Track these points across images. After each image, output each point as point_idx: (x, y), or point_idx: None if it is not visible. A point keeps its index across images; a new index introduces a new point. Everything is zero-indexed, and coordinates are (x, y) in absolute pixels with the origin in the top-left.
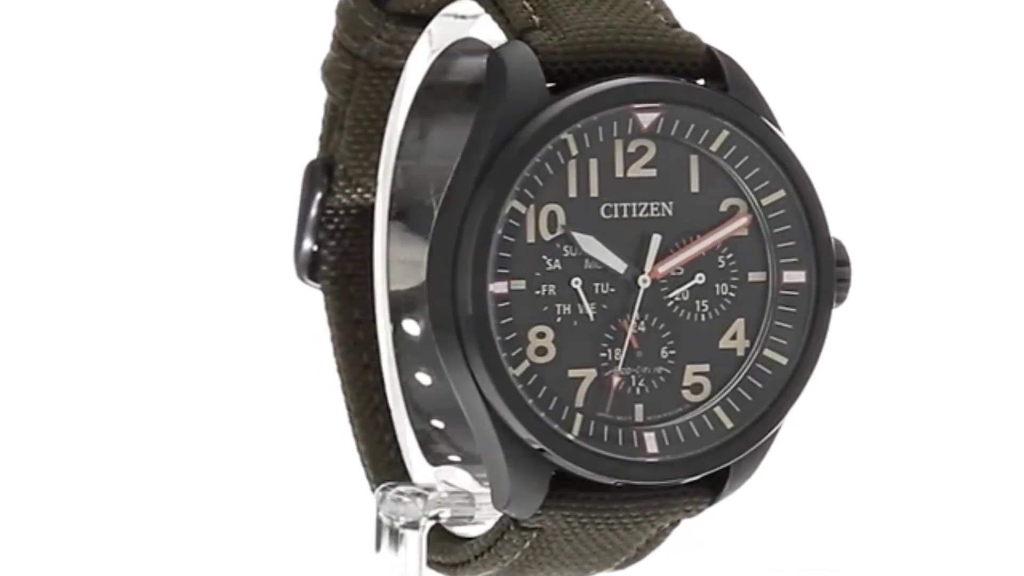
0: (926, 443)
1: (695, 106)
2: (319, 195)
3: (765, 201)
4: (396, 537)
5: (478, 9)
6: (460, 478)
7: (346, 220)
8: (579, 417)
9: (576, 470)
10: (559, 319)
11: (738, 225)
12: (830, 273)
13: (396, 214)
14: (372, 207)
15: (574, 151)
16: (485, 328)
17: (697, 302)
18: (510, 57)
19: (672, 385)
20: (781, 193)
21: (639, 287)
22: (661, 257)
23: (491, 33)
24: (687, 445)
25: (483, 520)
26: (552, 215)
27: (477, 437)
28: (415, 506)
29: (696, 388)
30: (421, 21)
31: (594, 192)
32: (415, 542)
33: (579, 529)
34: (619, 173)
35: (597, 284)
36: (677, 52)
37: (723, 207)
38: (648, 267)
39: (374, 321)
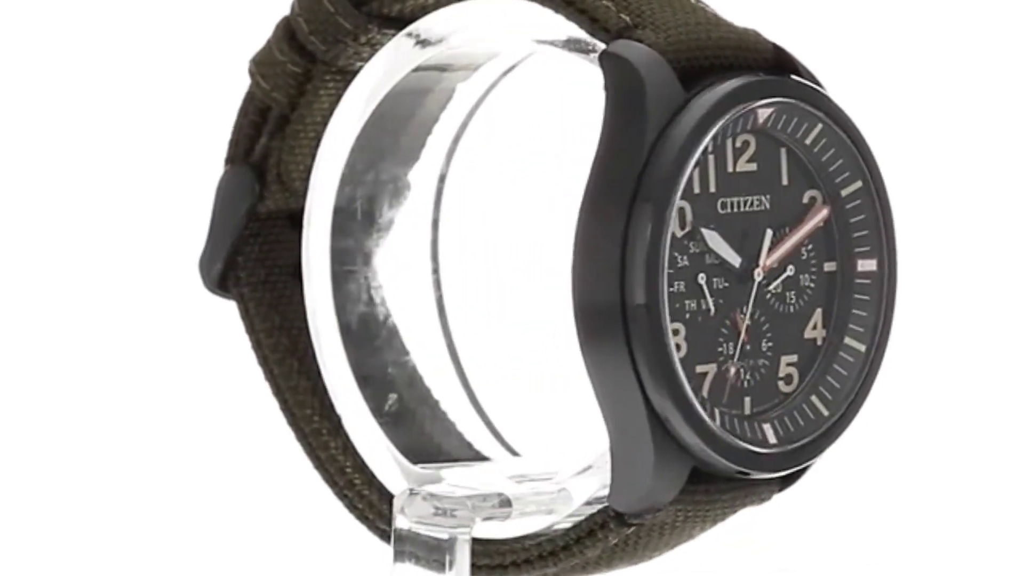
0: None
1: (799, 100)
2: (248, 203)
3: (844, 192)
4: (435, 547)
5: (446, 31)
6: (457, 477)
7: (273, 226)
8: (716, 411)
9: (718, 462)
10: (687, 315)
11: (820, 217)
12: (896, 260)
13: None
14: (300, 211)
15: (710, 148)
16: (658, 322)
17: (787, 294)
18: (634, 55)
19: (771, 377)
20: (859, 183)
21: (754, 280)
22: (770, 250)
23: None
24: (796, 434)
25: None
26: (682, 212)
27: (619, 432)
28: (465, 511)
29: (788, 379)
30: (401, 24)
31: (712, 188)
32: (464, 551)
33: (680, 521)
34: (730, 168)
35: (715, 279)
36: (753, 48)
37: (805, 199)
38: (762, 260)
39: (299, 325)
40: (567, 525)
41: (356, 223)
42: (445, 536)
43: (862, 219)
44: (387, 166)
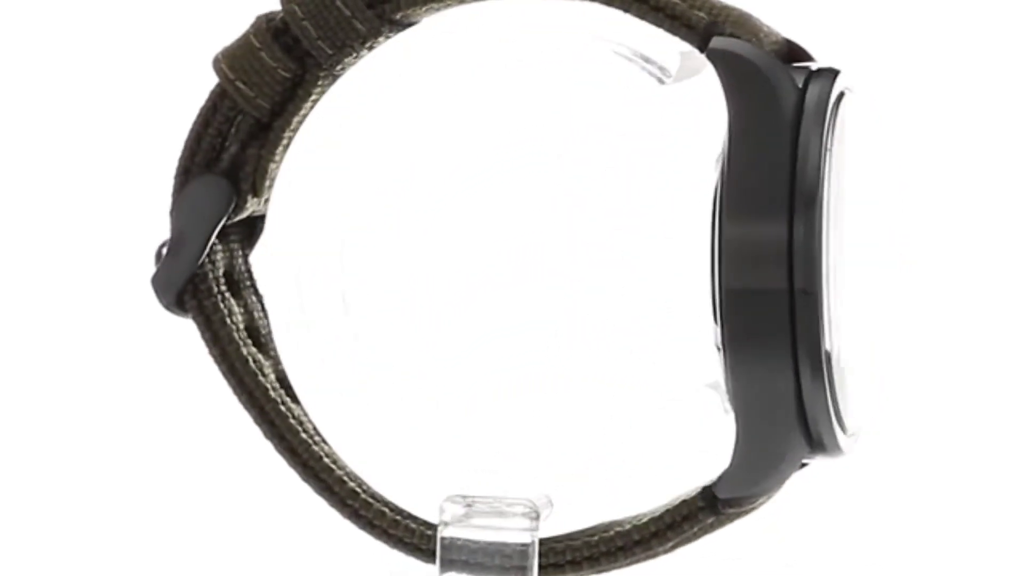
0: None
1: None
2: (223, 215)
3: None
4: (496, 552)
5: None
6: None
7: (230, 235)
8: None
9: (828, 453)
10: None
11: None
12: None
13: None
14: (260, 218)
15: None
16: (816, 308)
17: None
18: (749, 53)
19: None
20: None
21: None
22: None
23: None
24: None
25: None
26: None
27: (759, 417)
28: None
29: None
30: (408, 27)
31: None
32: (534, 556)
33: (749, 512)
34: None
35: None
36: (784, 41)
37: None
38: None
39: (259, 331)
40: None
41: None
42: (507, 539)
43: None
44: None
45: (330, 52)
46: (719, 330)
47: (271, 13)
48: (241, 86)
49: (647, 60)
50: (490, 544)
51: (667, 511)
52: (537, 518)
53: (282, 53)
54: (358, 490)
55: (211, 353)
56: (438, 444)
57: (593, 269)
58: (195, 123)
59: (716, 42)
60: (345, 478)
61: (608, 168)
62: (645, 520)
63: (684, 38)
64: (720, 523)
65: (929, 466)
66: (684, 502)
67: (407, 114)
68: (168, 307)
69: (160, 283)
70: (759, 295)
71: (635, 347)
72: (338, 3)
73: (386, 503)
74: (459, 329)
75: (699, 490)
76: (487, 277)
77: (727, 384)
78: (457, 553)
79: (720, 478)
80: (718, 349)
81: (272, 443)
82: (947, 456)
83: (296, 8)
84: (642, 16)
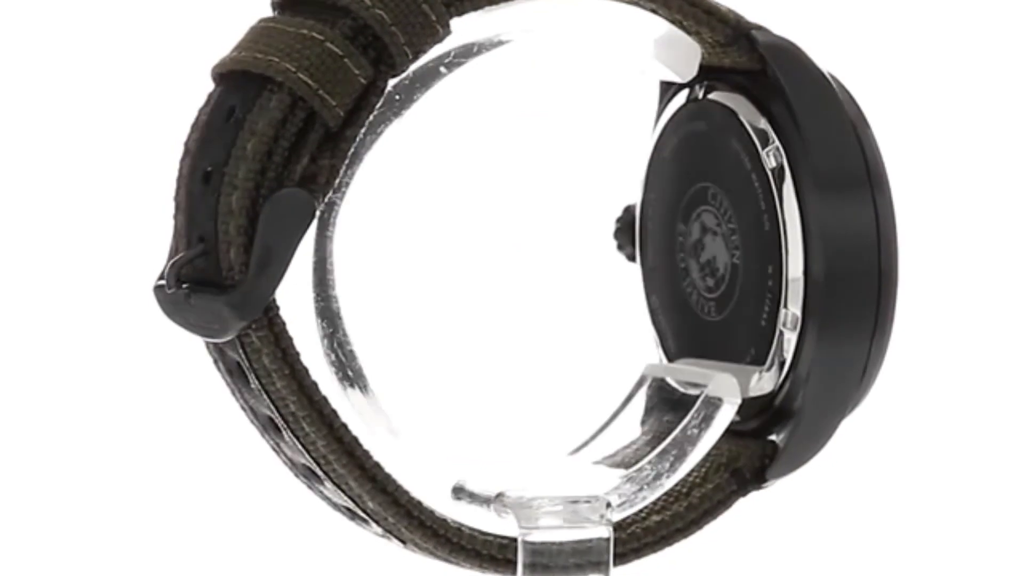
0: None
1: None
2: (305, 229)
3: None
4: (579, 553)
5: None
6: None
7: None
8: None
9: None
10: None
11: None
12: None
13: None
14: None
15: None
16: (894, 288)
17: None
18: (800, 49)
19: None
20: None
21: None
22: None
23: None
24: None
25: None
26: None
27: (829, 404)
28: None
29: None
30: None
31: None
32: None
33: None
34: None
35: None
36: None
37: None
38: None
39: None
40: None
41: None
42: (586, 536)
43: None
44: None
45: (410, 57)
46: (791, 313)
47: (329, 17)
48: (325, 96)
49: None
50: (572, 543)
51: (700, 497)
52: (609, 507)
53: (364, 60)
54: (432, 509)
55: (278, 372)
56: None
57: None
58: (260, 137)
59: (774, 37)
60: (416, 498)
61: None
62: (683, 506)
63: (718, 31)
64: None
65: (921, 461)
66: (717, 487)
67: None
68: (239, 327)
69: (247, 301)
70: (856, 277)
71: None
72: (424, 7)
73: (457, 520)
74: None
75: (727, 474)
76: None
77: (791, 369)
78: (539, 557)
79: (774, 463)
80: (783, 331)
81: (348, 472)
82: (939, 452)
83: (383, 14)
84: (679, 9)
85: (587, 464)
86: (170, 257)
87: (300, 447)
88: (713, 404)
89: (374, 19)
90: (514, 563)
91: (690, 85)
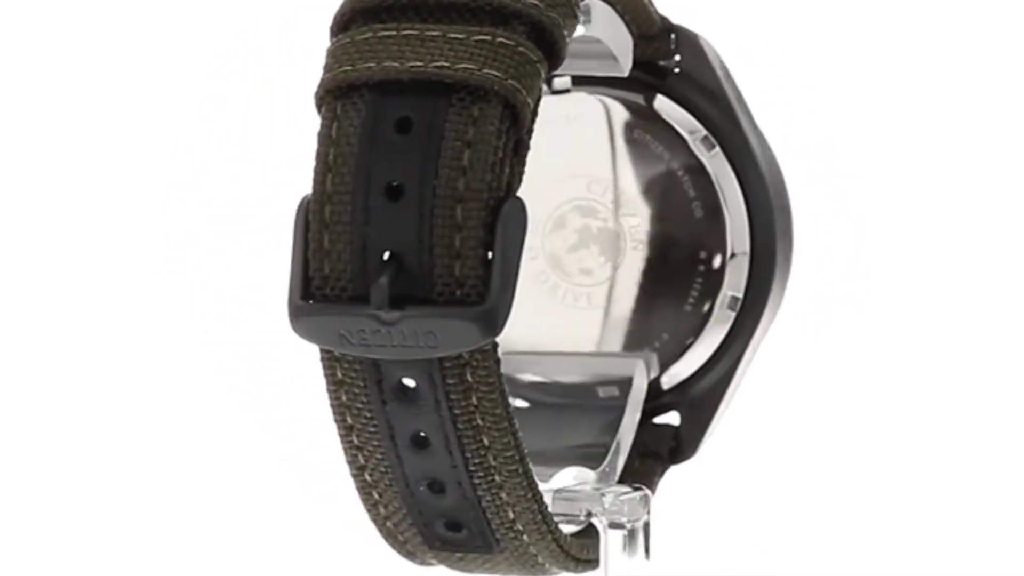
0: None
1: None
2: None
3: None
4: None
5: None
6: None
7: None
8: None
9: None
10: None
11: None
12: None
13: None
14: None
15: None
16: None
17: None
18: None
19: None
20: None
21: None
22: None
23: None
24: None
25: None
26: None
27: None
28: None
29: None
30: None
31: None
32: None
33: None
34: None
35: None
36: None
37: None
38: None
39: None
40: None
41: None
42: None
43: None
44: None
45: (563, 52)
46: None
47: (499, 21)
48: (530, 101)
49: None
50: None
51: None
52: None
53: (546, 56)
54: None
55: (484, 385)
56: None
57: None
58: (478, 147)
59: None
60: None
61: None
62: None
63: (648, 25)
64: None
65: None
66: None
67: None
68: (481, 343)
69: (496, 315)
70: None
71: None
72: (578, 11)
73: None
74: None
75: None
76: None
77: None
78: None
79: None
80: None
81: (514, 482)
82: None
83: (560, 19)
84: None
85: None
86: (311, 278)
87: (461, 459)
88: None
89: (551, 21)
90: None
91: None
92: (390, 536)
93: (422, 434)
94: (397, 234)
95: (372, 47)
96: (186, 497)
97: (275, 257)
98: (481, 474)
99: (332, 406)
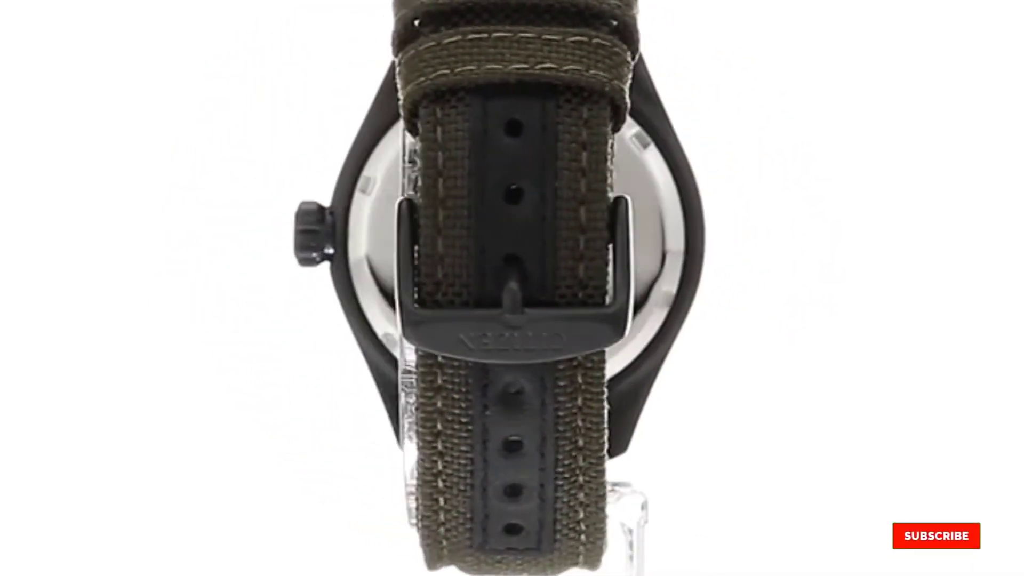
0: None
1: None
2: None
3: None
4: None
5: None
6: None
7: None
8: None
9: None
10: None
11: None
12: None
13: None
14: None
15: None
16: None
17: None
18: None
19: None
20: None
21: None
22: None
23: None
24: None
25: None
26: None
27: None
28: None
29: None
30: None
31: None
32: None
33: None
34: None
35: None
36: None
37: None
38: None
39: None
40: None
41: None
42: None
43: None
44: None
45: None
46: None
47: (590, 22)
48: (628, 101)
49: None
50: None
51: None
52: None
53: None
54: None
55: (592, 388)
56: None
57: None
58: (594, 148)
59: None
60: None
61: None
62: None
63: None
64: None
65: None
66: None
67: None
68: (609, 344)
69: (625, 315)
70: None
71: None
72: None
73: None
74: None
75: None
76: None
77: None
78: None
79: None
80: None
81: (597, 482)
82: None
83: (635, 14)
84: None
85: None
86: (422, 283)
87: (552, 461)
88: None
89: (633, 20)
90: None
91: None
92: (433, 539)
93: (515, 438)
94: (517, 237)
95: (467, 50)
96: (188, 497)
97: (275, 257)
98: (567, 475)
99: (422, 413)
